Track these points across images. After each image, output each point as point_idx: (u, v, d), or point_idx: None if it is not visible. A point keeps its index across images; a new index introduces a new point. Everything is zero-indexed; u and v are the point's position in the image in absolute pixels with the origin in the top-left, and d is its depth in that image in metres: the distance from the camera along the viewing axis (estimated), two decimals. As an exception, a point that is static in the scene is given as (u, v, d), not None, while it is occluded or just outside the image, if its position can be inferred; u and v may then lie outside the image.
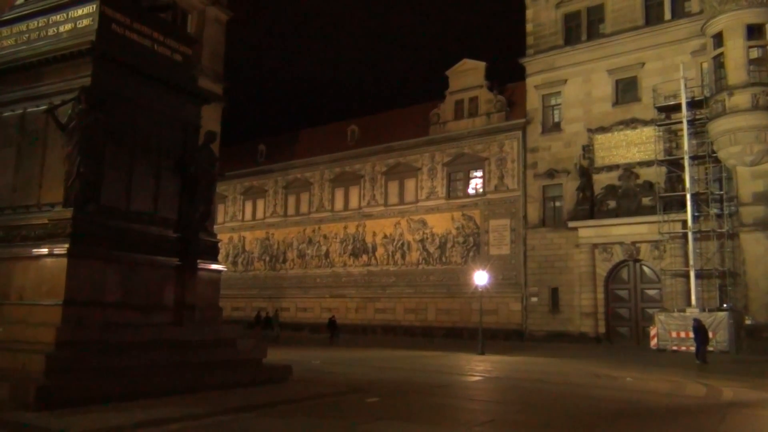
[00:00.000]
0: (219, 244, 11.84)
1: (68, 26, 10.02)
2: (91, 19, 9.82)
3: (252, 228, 46.28)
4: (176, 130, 10.92)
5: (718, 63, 27.33)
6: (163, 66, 10.70)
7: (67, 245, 8.70)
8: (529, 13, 34.93)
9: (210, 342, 10.75)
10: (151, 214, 10.29)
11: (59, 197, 9.22)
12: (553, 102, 33.76)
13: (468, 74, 37.24)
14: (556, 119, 33.52)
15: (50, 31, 10.17)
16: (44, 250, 8.89)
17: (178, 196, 10.74)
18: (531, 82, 34.28)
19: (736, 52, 26.39)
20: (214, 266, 11.22)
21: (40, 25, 10.30)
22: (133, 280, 9.65)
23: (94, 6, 9.81)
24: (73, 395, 7.72)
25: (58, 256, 8.76)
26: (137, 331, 9.50)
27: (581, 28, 33.18)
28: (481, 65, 37.00)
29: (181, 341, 10.11)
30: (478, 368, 17.73)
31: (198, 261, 10.66)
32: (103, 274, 9.20)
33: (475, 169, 36.43)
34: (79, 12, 9.94)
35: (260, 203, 46.23)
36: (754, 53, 26.59)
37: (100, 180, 9.33)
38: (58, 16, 10.13)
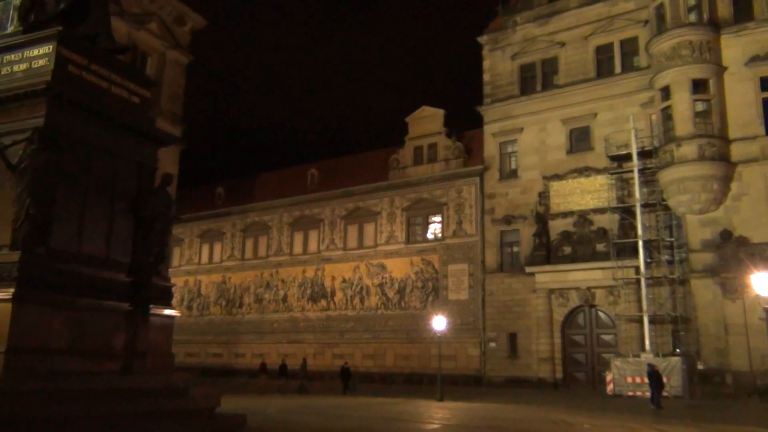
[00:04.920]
0: (174, 288, 11.57)
1: (23, 66, 9.85)
2: (47, 59, 9.67)
3: (208, 271, 45.47)
4: (131, 172, 10.74)
5: (666, 115, 28.43)
6: (119, 108, 10.58)
7: (12, 290, 8.35)
8: (487, 64, 35.90)
9: (161, 390, 10.38)
10: (103, 257, 10.02)
11: (7, 240, 8.91)
12: (509, 149, 34.49)
13: (427, 121, 37.86)
14: (513, 166, 34.20)
15: (3, 71, 9.98)
16: (-12, 295, 8.51)
17: (131, 239, 10.49)
18: (488, 129, 35.02)
19: (683, 105, 27.54)
20: (167, 312, 10.92)
21: (-7, 64, 10.10)
22: (82, 326, 9.29)
23: (51, 46, 9.68)
24: (13, 449, 7.32)
25: (2, 300, 8.38)
26: (85, 380, 9.11)
27: (536, 79, 34.25)
28: (440, 112, 37.69)
29: (132, 390, 9.72)
30: (437, 415, 17.53)
31: (150, 306, 10.37)
32: (51, 321, 8.83)
33: (434, 214, 36.73)
34: (35, 52, 9.79)
35: (217, 246, 45.55)
36: (700, 106, 27.76)
37: (51, 222, 9.07)
38: (13, 56, 9.96)
